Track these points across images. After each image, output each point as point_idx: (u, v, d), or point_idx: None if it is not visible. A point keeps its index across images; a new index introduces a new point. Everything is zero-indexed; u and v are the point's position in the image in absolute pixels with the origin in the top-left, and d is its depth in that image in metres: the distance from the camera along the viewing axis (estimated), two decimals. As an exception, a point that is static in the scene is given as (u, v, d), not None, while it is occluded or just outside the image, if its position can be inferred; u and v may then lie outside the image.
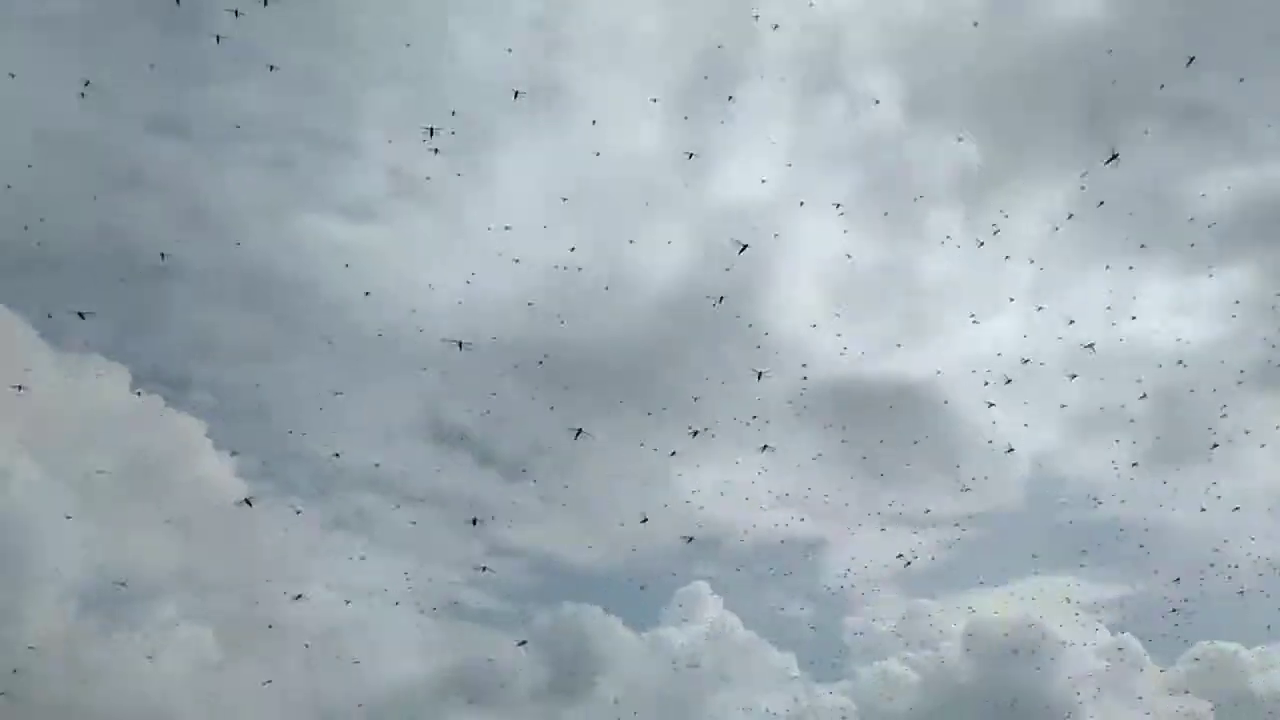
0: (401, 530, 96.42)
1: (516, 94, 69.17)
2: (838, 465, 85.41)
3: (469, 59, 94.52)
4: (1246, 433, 79.30)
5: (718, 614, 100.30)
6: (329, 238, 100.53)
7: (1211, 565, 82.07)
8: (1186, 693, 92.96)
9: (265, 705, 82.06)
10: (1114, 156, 66.53)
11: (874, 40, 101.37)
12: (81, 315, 63.13)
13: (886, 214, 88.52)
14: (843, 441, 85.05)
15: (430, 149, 66.76)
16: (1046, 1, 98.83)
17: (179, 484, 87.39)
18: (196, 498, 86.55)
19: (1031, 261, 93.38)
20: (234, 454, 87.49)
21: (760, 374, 73.89)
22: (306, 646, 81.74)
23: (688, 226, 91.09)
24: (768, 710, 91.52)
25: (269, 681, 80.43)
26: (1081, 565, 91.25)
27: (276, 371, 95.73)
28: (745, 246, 70.67)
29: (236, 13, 59.82)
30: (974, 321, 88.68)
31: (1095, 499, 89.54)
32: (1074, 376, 79.41)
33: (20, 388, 65.81)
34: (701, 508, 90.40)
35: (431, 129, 65.82)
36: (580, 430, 72.76)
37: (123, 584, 79.69)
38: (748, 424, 79.95)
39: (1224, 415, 79.47)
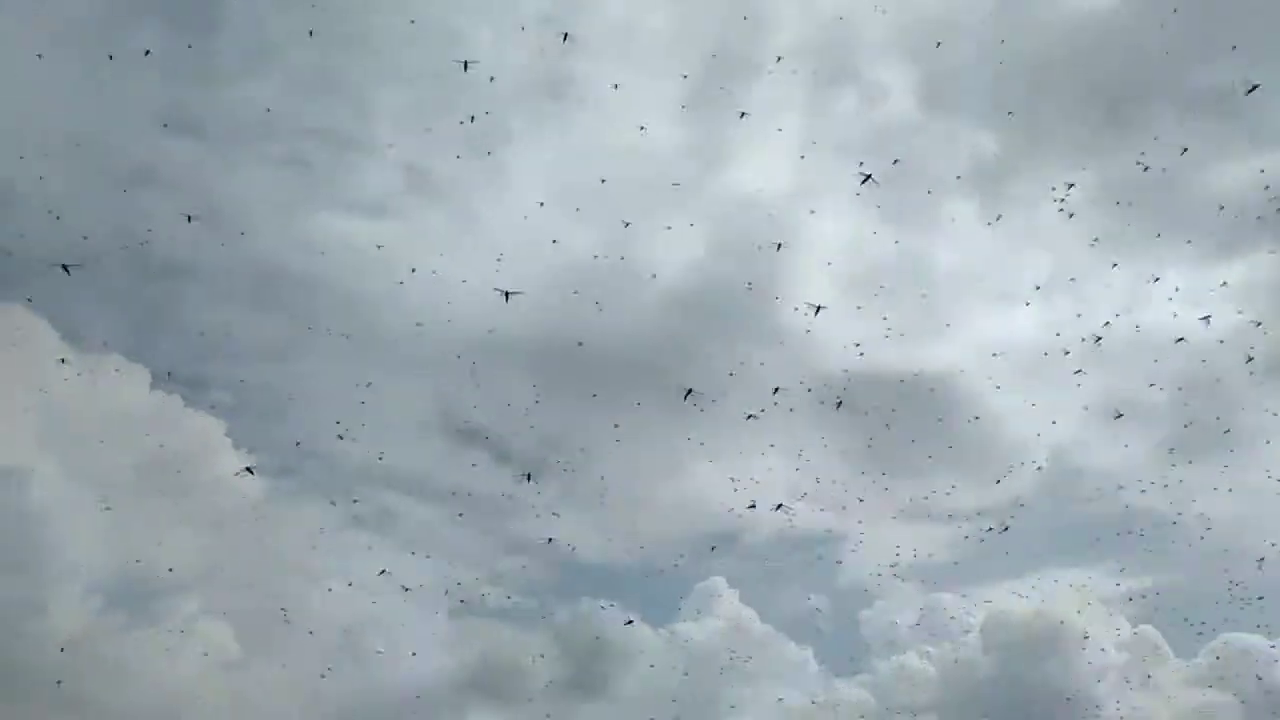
0: (419, 527, 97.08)
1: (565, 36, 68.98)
2: (855, 458, 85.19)
3: (480, 55, 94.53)
4: (1276, 415, 78.47)
5: (735, 609, 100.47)
6: (344, 235, 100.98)
7: (1227, 552, 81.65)
8: (1210, 686, 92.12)
9: (285, 701, 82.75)
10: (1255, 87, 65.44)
11: (887, 31, 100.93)
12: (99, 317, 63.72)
13: (903, 205, 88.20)
14: (859, 433, 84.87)
15: (446, 150, 67.43)
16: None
17: (198, 483, 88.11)
18: (216, 496, 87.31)
19: (1048, 251, 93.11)
20: (252, 452, 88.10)
21: (783, 359, 73.92)
22: (325, 642, 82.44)
23: (702, 220, 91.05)
24: (785, 704, 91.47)
25: (289, 677, 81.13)
26: (1101, 558, 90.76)
27: (293, 370, 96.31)
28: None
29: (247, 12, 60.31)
30: (991, 312, 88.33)
31: (1115, 490, 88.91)
32: (1079, 372, 79.02)
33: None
34: (718, 501, 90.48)
35: (472, 116, 66.42)
36: (588, 429, 73.20)
37: (144, 581, 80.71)
38: (764, 417, 79.89)
39: (1244, 405, 78.92)
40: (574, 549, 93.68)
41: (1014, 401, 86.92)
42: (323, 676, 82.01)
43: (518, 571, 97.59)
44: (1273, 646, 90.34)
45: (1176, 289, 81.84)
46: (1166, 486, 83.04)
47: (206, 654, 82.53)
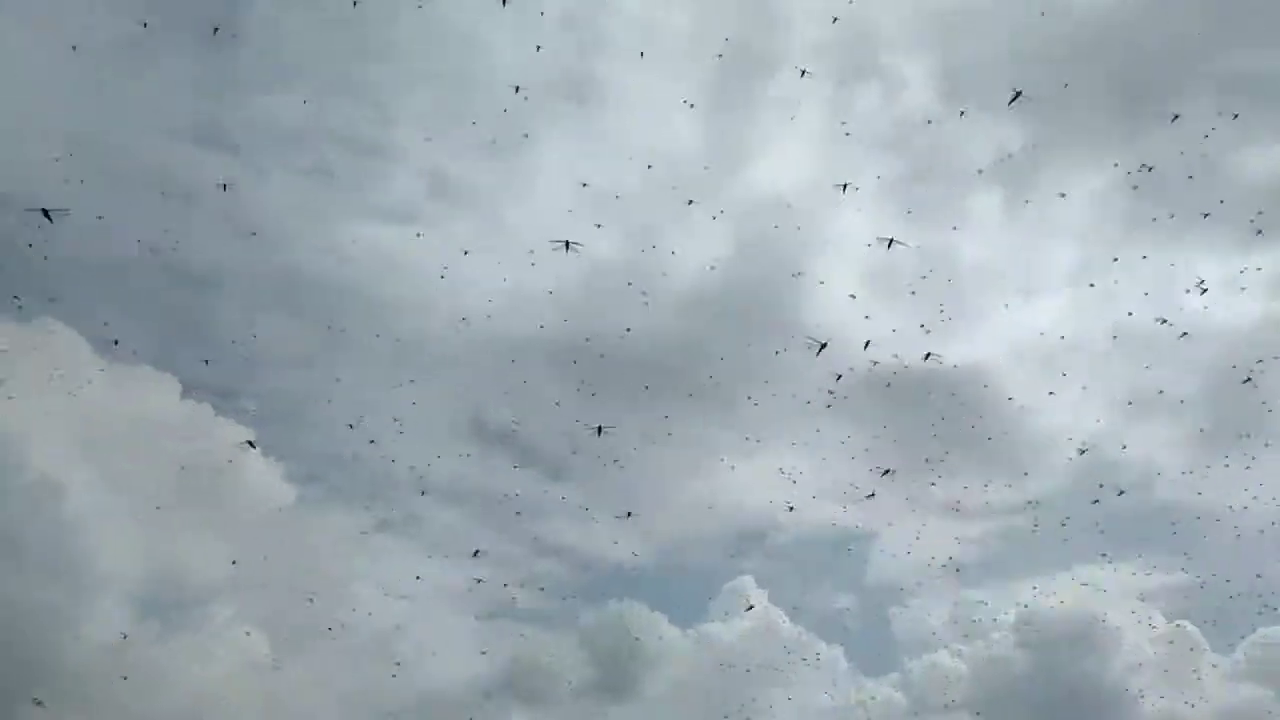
0: (447, 530, 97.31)
1: None
2: (882, 455, 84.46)
3: (502, 59, 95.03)
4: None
5: (763, 608, 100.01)
6: (370, 242, 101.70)
7: (1263, 545, 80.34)
8: (1248, 680, 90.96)
9: (319, 705, 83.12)
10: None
11: (908, 24, 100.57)
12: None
13: (926, 199, 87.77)
14: (887, 431, 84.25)
15: (470, 154, 67.69)
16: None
17: (229, 490, 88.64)
18: (246, 503, 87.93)
19: (1076, 242, 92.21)
20: (281, 460, 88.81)
21: (808, 358, 73.79)
22: (357, 646, 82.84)
23: (724, 219, 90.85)
24: (815, 704, 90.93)
25: (322, 681, 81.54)
26: (1136, 552, 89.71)
27: (321, 377, 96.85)
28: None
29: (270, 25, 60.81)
30: (1019, 305, 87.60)
31: (1147, 484, 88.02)
32: (1108, 364, 78.00)
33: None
34: (746, 501, 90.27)
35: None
36: (601, 428, 73.30)
37: (177, 588, 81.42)
38: (790, 416, 79.66)
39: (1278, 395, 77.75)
40: (602, 550, 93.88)
41: (1043, 395, 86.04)
42: (354, 679, 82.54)
43: (547, 573, 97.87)
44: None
45: (1206, 279, 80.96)
46: (1200, 478, 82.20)
47: (241, 659, 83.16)
